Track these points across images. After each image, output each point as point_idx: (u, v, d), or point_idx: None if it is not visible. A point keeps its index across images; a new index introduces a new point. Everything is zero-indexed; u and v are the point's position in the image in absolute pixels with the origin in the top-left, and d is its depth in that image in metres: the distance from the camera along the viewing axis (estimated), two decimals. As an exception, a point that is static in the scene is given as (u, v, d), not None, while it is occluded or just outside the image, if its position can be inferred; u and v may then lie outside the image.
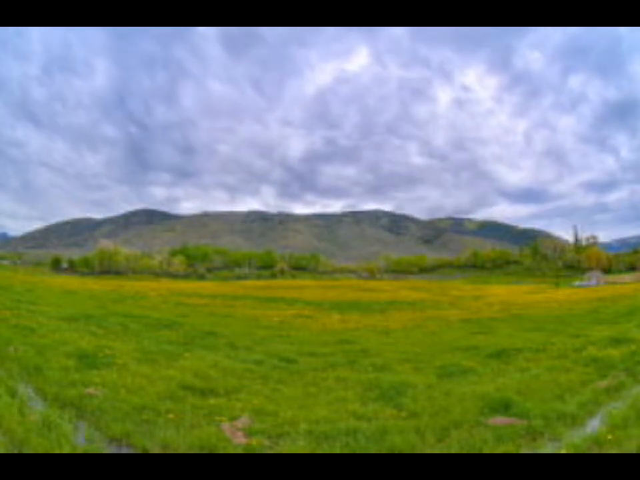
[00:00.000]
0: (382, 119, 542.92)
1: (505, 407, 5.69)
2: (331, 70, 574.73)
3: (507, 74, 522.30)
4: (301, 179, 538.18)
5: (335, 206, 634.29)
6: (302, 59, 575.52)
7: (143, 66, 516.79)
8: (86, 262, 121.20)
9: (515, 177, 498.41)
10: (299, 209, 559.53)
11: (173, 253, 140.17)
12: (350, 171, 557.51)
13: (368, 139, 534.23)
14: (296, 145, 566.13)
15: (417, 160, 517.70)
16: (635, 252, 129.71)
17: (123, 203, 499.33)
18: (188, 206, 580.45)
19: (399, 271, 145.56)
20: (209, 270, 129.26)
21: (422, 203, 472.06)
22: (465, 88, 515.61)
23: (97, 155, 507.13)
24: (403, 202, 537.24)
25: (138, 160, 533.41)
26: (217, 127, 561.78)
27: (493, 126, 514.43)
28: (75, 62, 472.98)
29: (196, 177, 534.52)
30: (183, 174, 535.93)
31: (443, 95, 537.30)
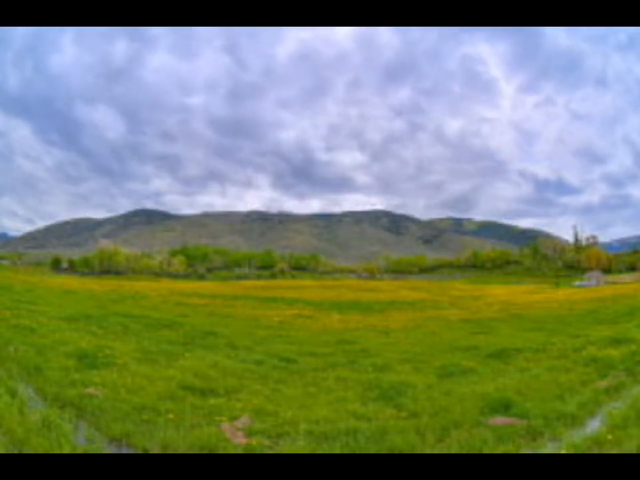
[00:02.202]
0: (383, 96, 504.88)
1: (505, 407, 5.68)
2: (320, 35, 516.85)
3: (521, 48, 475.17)
4: (296, 166, 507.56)
5: (335, 198, 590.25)
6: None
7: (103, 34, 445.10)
8: (86, 262, 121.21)
9: (526, 169, 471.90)
10: (295, 202, 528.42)
11: (173, 253, 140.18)
12: (351, 158, 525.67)
13: (370, 121, 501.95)
14: (289, 128, 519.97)
15: (424, 146, 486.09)
16: (635, 252, 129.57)
17: (105, 195, 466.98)
18: (173, 198, 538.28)
19: (399, 270, 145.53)
20: (209, 270, 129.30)
21: (422, 202, 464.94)
22: (476, 61, 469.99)
23: (73, 145, 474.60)
24: (404, 198, 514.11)
25: (116, 147, 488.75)
26: (194, 106, 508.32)
27: (504, 108, 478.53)
28: (44, 39, 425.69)
29: (181, 168, 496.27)
30: (166, 163, 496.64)
31: (451, 67, 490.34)
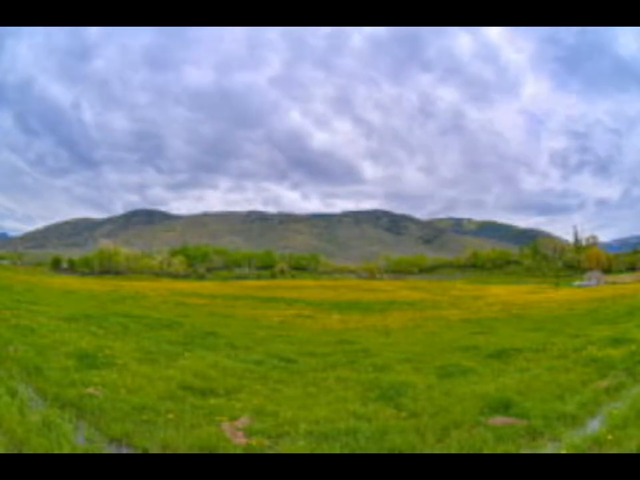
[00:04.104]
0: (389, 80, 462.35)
1: (505, 407, 5.69)
2: None
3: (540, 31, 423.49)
4: (293, 156, 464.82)
5: (333, 191, 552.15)
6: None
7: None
8: (86, 262, 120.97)
9: (529, 168, 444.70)
10: (292, 192, 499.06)
11: (173, 253, 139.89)
12: (351, 149, 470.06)
13: (372, 109, 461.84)
14: (282, 113, 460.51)
15: (423, 142, 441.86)
16: (635, 252, 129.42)
17: (89, 187, 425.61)
18: (161, 191, 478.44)
19: (399, 271, 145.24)
20: (209, 270, 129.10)
21: (422, 202, 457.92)
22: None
23: (50, 134, 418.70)
24: (404, 195, 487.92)
25: (97, 136, 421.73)
26: (178, 88, 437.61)
27: (519, 98, 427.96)
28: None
29: (168, 157, 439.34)
30: (151, 152, 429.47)
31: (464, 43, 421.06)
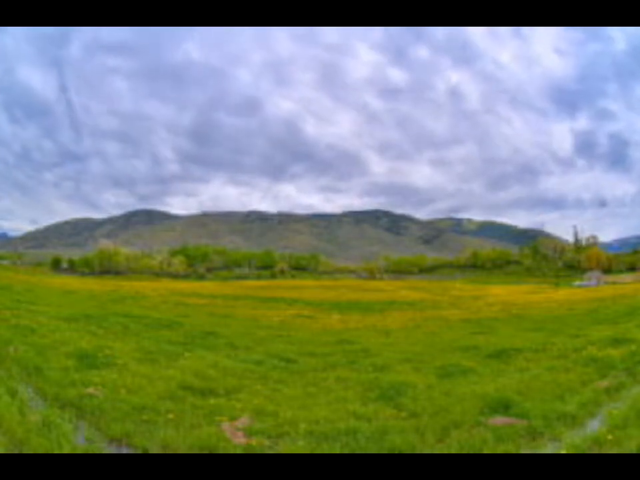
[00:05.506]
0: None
1: (504, 407, 5.68)
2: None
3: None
4: (290, 149, 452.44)
5: (332, 186, 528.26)
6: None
7: None
8: (86, 262, 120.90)
9: (529, 167, 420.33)
10: (290, 186, 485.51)
11: (173, 253, 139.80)
12: (351, 142, 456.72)
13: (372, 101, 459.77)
14: (277, 103, 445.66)
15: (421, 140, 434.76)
16: (635, 252, 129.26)
17: (77, 181, 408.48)
18: (148, 187, 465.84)
19: (399, 271, 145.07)
20: (209, 270, 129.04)
21: (422, 201, 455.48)
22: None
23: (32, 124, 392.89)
24: (403, 200, 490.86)
25: (74, 126, 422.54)
26: (150, 71, 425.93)
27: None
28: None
29: (153, 150, 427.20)
30: (133, 145, 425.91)
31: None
